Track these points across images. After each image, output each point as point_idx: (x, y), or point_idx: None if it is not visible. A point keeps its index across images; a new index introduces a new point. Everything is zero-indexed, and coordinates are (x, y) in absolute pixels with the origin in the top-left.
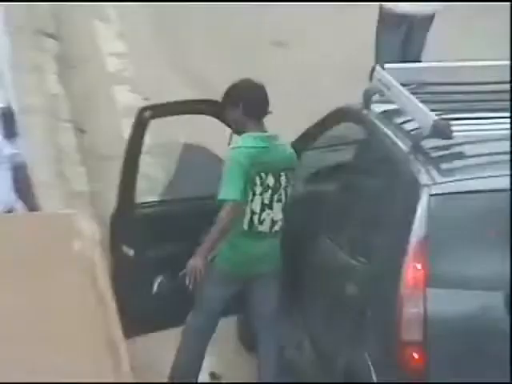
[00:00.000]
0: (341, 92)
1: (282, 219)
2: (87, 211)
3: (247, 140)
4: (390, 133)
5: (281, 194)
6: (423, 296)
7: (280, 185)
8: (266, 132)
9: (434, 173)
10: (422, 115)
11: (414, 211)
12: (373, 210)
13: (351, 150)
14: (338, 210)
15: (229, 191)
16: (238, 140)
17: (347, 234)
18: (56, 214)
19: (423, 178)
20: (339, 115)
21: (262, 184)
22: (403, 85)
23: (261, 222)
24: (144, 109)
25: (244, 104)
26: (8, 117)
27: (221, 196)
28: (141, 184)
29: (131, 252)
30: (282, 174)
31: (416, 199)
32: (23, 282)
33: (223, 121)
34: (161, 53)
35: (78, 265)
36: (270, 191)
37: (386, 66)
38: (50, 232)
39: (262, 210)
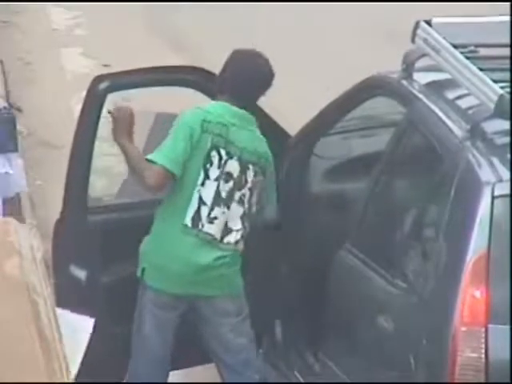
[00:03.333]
0: (374, 56)
1: (244, 233)
2: (25, 218)
3: (212, 106)
4: (438, 111)
5: (244, 195)
6: (484, 335)
7: (246, 181)
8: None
9: (499, 166)
10: (484, 88)
11: (472, 218)
12: (415, 217)
13: (386, 134)
14: (368, 216)
15: (159, 154)
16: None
17: (380, 250)
18: None
19: (485, 174)
20: (370, 87)
21: (219, 165)
22: (457, 46)
23: (211, 220)
24: (99, 78)
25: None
26: None
27: (150, 156)
28: (96, 181)
29: (82, 275)
30: (251, 167)
31: (475, 202)
32: None
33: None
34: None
35: (13, 292)
36: (231, 183)
37: (435, 20)
38: None
39: (215, 204)
